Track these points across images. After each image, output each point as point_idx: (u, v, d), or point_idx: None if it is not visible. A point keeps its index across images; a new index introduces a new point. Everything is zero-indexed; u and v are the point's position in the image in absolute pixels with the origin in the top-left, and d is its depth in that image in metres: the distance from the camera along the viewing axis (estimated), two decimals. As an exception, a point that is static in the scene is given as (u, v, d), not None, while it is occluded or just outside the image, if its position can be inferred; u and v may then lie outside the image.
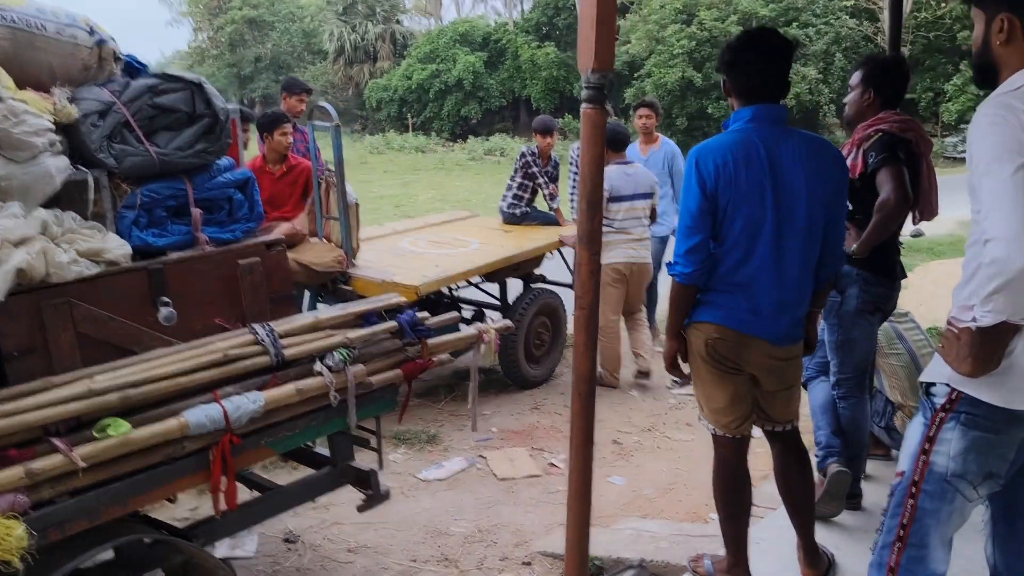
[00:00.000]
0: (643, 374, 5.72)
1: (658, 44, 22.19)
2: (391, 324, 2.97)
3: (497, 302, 5.87)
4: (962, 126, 21.99)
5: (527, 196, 6.29)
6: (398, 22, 33.78)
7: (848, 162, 3.17)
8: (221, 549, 3.57)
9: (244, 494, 3.61)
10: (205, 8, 37.43)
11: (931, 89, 22.44)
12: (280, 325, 2.74)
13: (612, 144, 5.34)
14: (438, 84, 27.72)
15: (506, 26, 28.88)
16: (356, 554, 3.61)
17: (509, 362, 5.40)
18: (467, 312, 5.88)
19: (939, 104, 22.69)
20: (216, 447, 2.46)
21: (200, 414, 2.42)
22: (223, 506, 2.52)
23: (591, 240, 2.18)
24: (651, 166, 6.07)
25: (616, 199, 5.42)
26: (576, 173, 7.06)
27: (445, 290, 5.53)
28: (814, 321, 2.86)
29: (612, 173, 5.34)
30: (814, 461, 3.44)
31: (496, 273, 5.40)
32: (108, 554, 2.43)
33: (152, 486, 2.36)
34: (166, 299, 2.58)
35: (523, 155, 6.17)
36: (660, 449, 4.69)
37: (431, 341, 3.07)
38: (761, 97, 2.56)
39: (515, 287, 5.92)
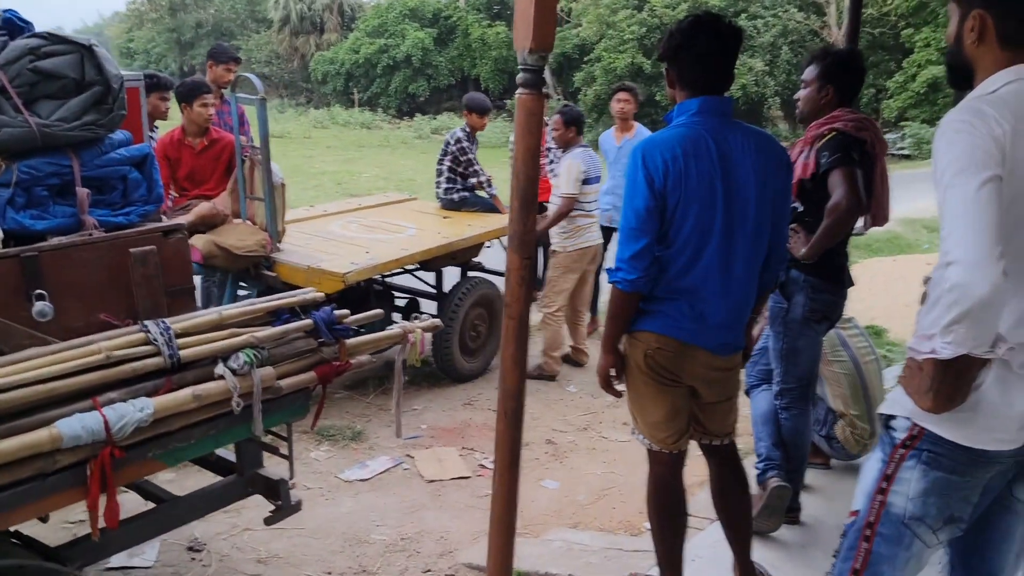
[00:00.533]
0: (577, 362, 5.64)
1: (609, 29, 22.01)
2: (305, 322, 2.70)
3: (433, 291, 5.61)
4: (902, 123, 22.40)
5: (459, 180, 6.02)
6: (346, -7, 32.95)
7: (800, 161, 3.01)
8: (117, 557, 3.28)
9: (136, 503, 3.35)
10: (144, -32, 36.01)
11: (873, 86, 22.75)
12: (177, 322, 2.45)
13: (580, 128, 5.39)
14: (386, 59, 27.11)
15: (457, 3, 28.37)
16: (266, 565, 3.35)
17: (443, 355, 5.16)
18: (400, 301, 5.61)
19: (880, 101, 23.05)
20: (95, 461, 2.18)
21: (75, 424, 2.13)
22: (103, 525, 2.24)
23: (522, 244, 1.96)
24: (624, 155, 5.86)
25: (588, 181, 5.31)
26: (551, 160, 6.83)
27: (378, 277, 5.25)
28: (751, 329, 2.70)
29: (583, 155, 5.31)
30: (754, 474, 3.30)
31: (432, 261, 5.14)
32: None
33: (17, 505, 2.06)
34: (41, 291, 2.27)
35: (458, 140, 5.89)
36: (595, 450, 4.52)
37: (350, 341, 2.82)
38: (708, 88, 2.39)
39: (452, 275, 5.67)
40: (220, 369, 2.45)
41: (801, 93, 3.14)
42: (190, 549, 3.43)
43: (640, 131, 6.09)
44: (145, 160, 2.65)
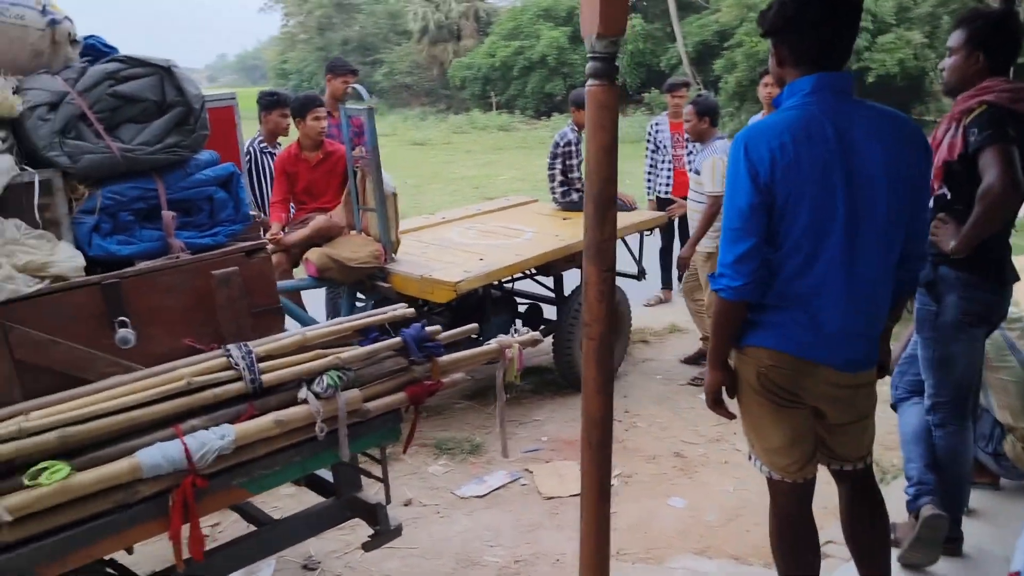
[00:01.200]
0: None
1: (750, 12, 20.98)
2: (394, 341, 2.58)
3: (553, 295, 5.41)
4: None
5: (576, 181, 5.79)
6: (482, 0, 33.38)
7: (946, 141, 2.58)
8: (236, 574, 3.29)
9: (237, 526, 3.34)
10: (295, -6, 37.95)
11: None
12: (260, 345, 2.38)
13: (715, 119, 5.04)
14: (522, 61, 27.15)
15: (591, -2, 28.07)
16: (377, 586, 3.26)
17: (564, 362, 4.95)
18: (522, 306, 5.45)
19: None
20: (177, 490, 2.13)
21: (156, 454, 2.09)
22: (187, 555, 2.20)
23: (599, 253, 1.72)
24: None
25: None
26: (654, 150, 6.53)
27: (497, 283, 5.10)
28: (888, 339, 2.32)
29: (724, 148, 4.92)
30: (903, 499, 2.89)
31: (550, 265, 4.93)
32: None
33: (99, 538, 2.04)
34: (123, 318, 2.25)
35: (568, 142, 5.66)
36: (728, 465, 4.16)
37: (443, 359, 2.67)
38: (825, 64, 2.06)
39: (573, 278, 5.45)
40: (303, 393, 2.36)
41: (947, 62, 2.70)
42: (304, 567, 3.40)
43: None
44: (231, 179, 2.60)
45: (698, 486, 3.97)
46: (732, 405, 2.32)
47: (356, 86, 4.54)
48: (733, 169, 2.06)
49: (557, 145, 5.66)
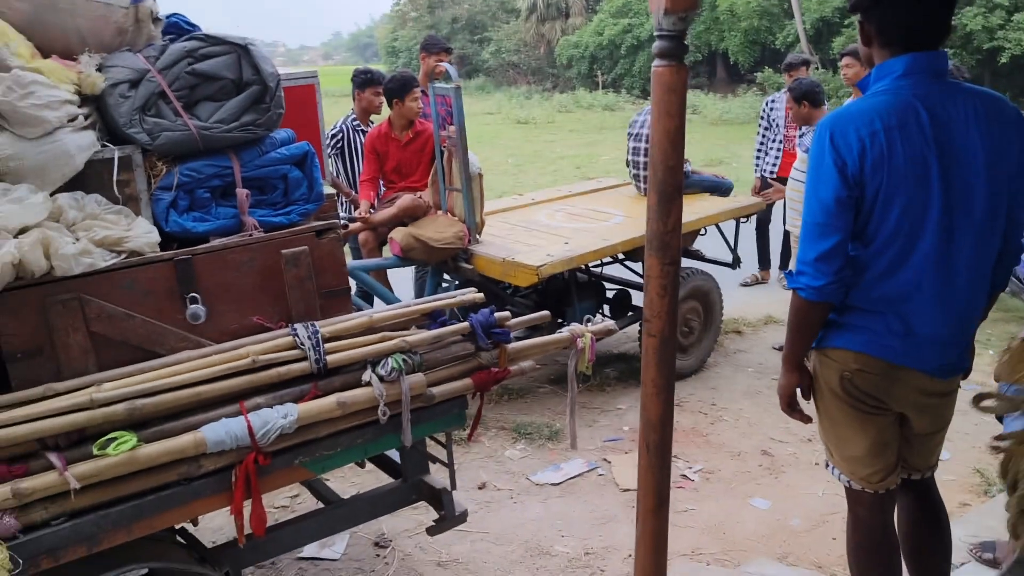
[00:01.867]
0: None
1: (874, -15, 19.93)
2: (461, 326, 2.53)
3: (641, 282, 5.25)
4: None
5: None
6: (592, -24, 32.86)
7: None
8: (309, 547, 3.35)
9: (306, 501, 3.38)
10: (408, -28, 38.41)
11: None
12: (327, 326, 2.38)
13: (814, 99, 4.91)
14: (630, 40, 26.64)
15: (705, -26, 27.23)
16: (445, 569, 3.26)
17: (651, 351, 4.80)
18: (610, 292, 5.32)
19: None
20: (239, 466, 2.15)
21: (220, 429, 2.12)
22: (249, 531, 2.22)
23: (663, 246, 1.61)
24: None
25: None
26: (767, 128, 6.28)
27: (583, 267, 5.00)
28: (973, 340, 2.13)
29: None
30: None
31: (638, 251, 4.79)
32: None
33: (162, 509, 2.09)
34: (194, 295, 2.28)
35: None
36: (819, 467, 3.94)
37: (511, 346, 2.60)
38: (918, 43, 1.87)
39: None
40: (367, 376, 2.35)
41: None
42: (376, 544, 3.43)
43: None
44: (306, 158, 2.59)
45: (784, 487, 3.78)
46: (808, 408, 2.18)
47: (446, 65, 4.50)
48: (817, 159, 1.91)
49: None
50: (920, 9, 1.86)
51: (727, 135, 17.17)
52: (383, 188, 4.95)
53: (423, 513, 3.56)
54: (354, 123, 5.26)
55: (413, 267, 5.05)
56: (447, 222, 4.47)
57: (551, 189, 6.43)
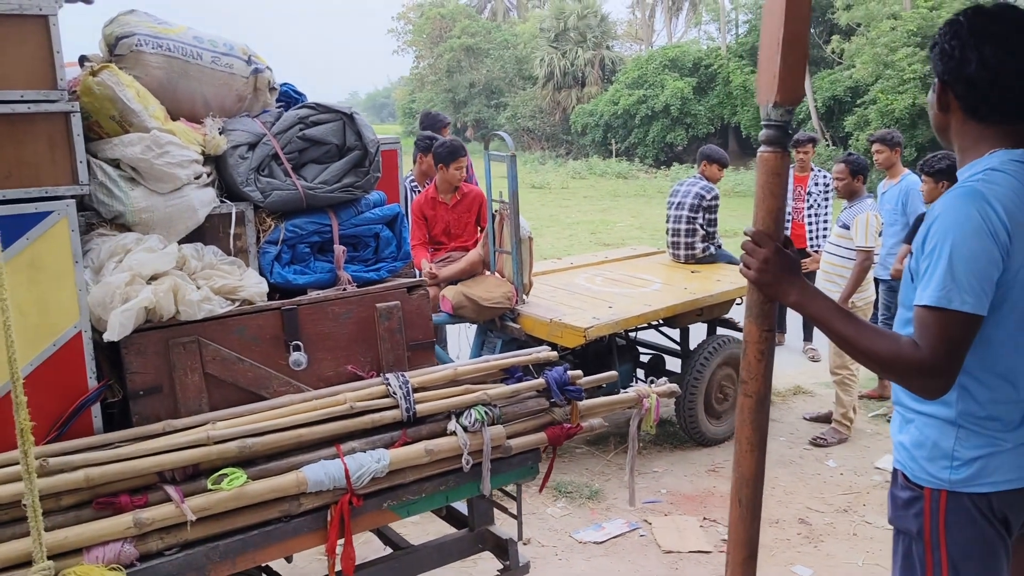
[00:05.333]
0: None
1: (886, 68, 20.42)
2: (537, 382, 2.67)
3: (678, 348, 5.40)
4: None
5: (715, 235, 5.81)
6: (608, 48, 33.71)
7: None
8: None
9: (370, 546, 3.47)
10: (428, 37, 39.47)
11: None
12: (416, 377, 2.53)
13: (866, 177, 5.12)
14: (644, 110, 27.29)
15: (718, 51, 27.98)
16: (496, 621, 3.32)
17: (687, 416, 4.93)
18: (645, 357, 5.47)
19: None
20: (335, 507, 2.28)
21: (319, 470, 2.25)
22: (339, 569, 2.33)
23: (762, 313, 1.76)
24: (885, 201, 5.61)
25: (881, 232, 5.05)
26: (827, 199, 6.47)
27: (622, 332, 5.15)
28: None
29: (875, 207, 5.07)
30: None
31: (677, 317, 4.95)
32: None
33: (265, 544, 2.21)
34: (297, 342, 2.44)
35: (715, 196, 5.68)
36: (856, 537, 4.03)
37: (582, 403, 2.74)
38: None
39: (701, 331, 5.44)
40: (452, 425, 2.48)
41: None
42: (426, 595, 3.50)
43: (906, 177, 5.58)
44: (396, 219, 2.78)
45: (824, 556, 3.86)
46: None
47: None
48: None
49: (703, 198, 5.65)
50: None
51: (740, 206, 17.49)
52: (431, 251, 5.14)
53: (470, 566, 3.64)
54: (412, 184, 5.48)
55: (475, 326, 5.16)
56: (496, 282, 4.65)
57: (588, 254, 6.63)
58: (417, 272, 5.00)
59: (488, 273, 4.80)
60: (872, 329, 1.66)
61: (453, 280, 4.71)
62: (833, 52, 22.40)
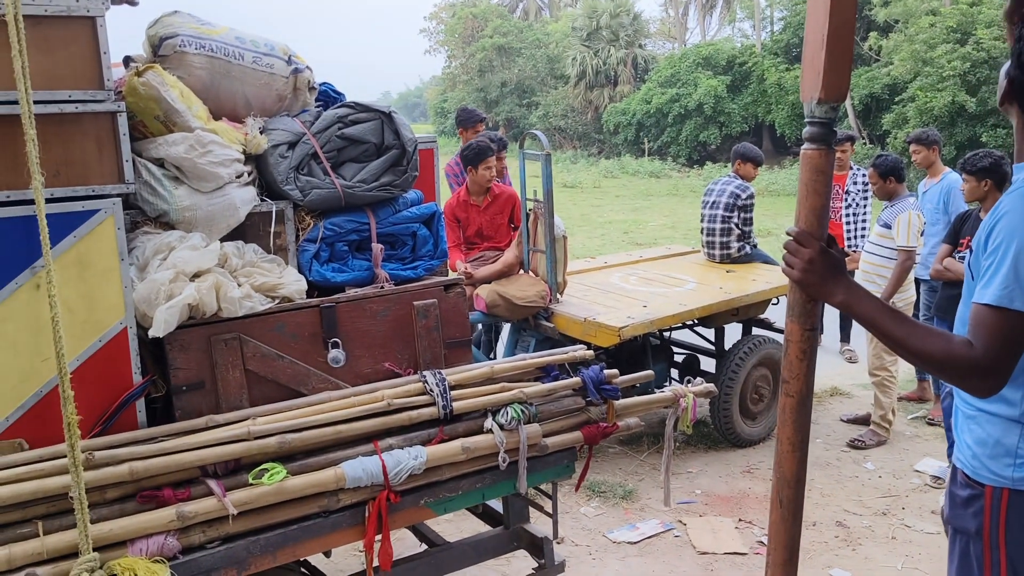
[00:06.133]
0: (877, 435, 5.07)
1: (925, 66, 20.08)
2: (574, 380, 2.67)
3: (712, 348, 5.36)
4: None
5: (751, 234, 5.76)
6: (641, 46, 33.53)
7: None
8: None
9: (404, 543, 3.49)
10: (460, 37, 39.60)
11: None
12: (453, 374, 2.54)
13: (900, 176, 5.02)
14: (677, 108, 27.11)
15: (753, 48, 27.72)
16: (528, 620, 3.32)
17: (721, 417, 4.89)
18: (679, 356, 5.43)
19: None
20: (373, 503, 2.30)
21: (358, 467, 2.27)
22: (376, 565, 2.35)
23: (804, 312, 1.74)
24: (926, 201, 5.50)
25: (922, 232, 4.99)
26: (865, 198, 6.37)
27: (656, 331, 5.13)
28: None
29: (917, 206, 5.01)
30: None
31: (712, 317, 4.92)
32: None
33: (304, 538, 2.24)
34: (336, 340, 2.46)
35: (751, 195, 5.62)
36: (895, 540, 3.97)
37: (618, 402, 2.74)
38: None
39: (736, 331, 5.39)
40: (489, 423, 2.49)
41: None
42: (460, 592, 3.51)
43: (947, 176, 5.47)
44: (433, 218, 2.80)
45: (862, 560, 3.81)
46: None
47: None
48: None
49: (738, 197, 5.58)
50: None
51: (774, 206, 17.33)
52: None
53: (504, 564, 3.65)
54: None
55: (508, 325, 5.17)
56: (530, 281, 4.65)
57: (622, 254, 6.60)
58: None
59: (522, 272, 4.80)
60: (923, 328, 1.63)
61: (489, 280, 4.72)
62: (871, 49, 22.06)
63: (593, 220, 16.39)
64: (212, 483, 2.11)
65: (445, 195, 5.34)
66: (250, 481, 2.13)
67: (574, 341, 4.52)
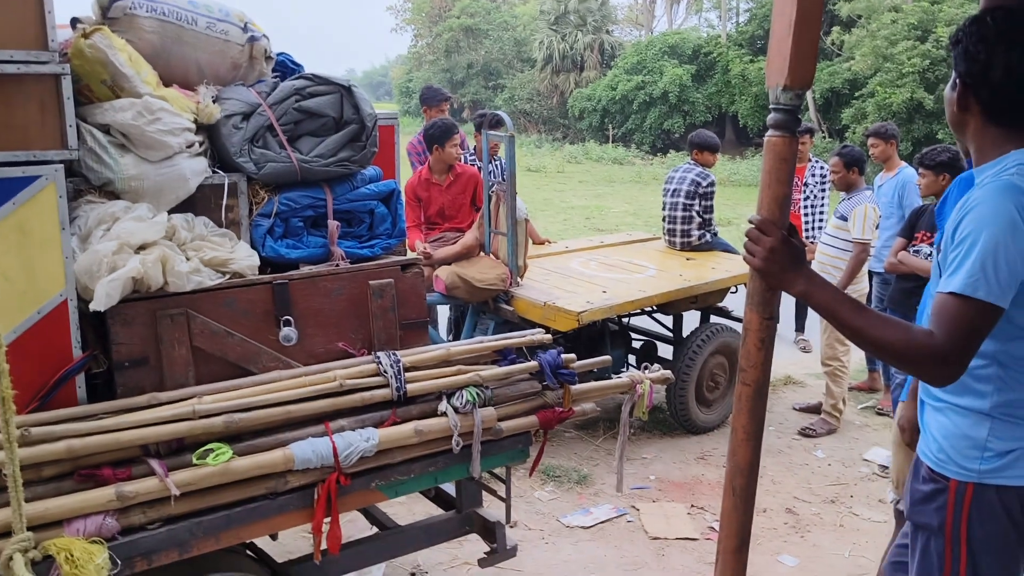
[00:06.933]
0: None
1: (886, 62, 20.37)
2: (531, 364, 2.64)
3: (670, 335, 5.38)
4: None
5: (711, 222, 5.78)
6: (608, 32, 33.49)
7: None
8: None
9: (355, 525, 3.44)
10: (427, 16, 39.16)
11: None
12: (408, 356, 2.49)
13: (862, 169, 5.08)
14: (642, 96, 27.17)
15: (718, 39, 27.87)
16: (481, 603, 3.31)
17: (677, 403, 4.91)
18: (637, 342, 5.44)
19: None
20: (322, 485, 2.25)
21: (307, 448, 2.22)
22: (324, 548, 2.31)
23: (763, 302, 1.73)
24: (881, 195, 5.56)
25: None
26: (823, 190, 6.43)
27: (615, 317, 5.12)
28: None
29: (873, 199, 5.08)
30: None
31: (671, 304, 4.93)
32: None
33: (249, 521, 2.18)
34: (288, 318, 2.40)
35: (711, 183, 5.63)
36: (843, 528, 4.03)
37: (575, 387, 2.71)
38: None
39: (692, 319, 5.42)
40: (443, 406, 2.45)
41: None
42: (412, 575, 3.49)
43: (903, 171, 5.54)
44: (392, 195, 2.74)
45: (810, 547, 3.86)
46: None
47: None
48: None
49: (698, 185, 5.57)
50: None
51: (735, 196, 17.48)
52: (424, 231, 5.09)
53: (457, 547, 3.63)
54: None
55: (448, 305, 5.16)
56: (491, 264, 4.60)
57: (584, 239, 6.58)
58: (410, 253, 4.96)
59: (483, 254, 4.76)
60: (881, 318, 1.62)
61: (447, 261, 4.67)
62: (833, 44, 22.30)
63: (556, 205, 16.37)
64: (154, 463, 2.05)
65: (406, 174, 5.27)
66: (194, 462, 2.07)
67: (533, 325, 4.49)
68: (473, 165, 5.30)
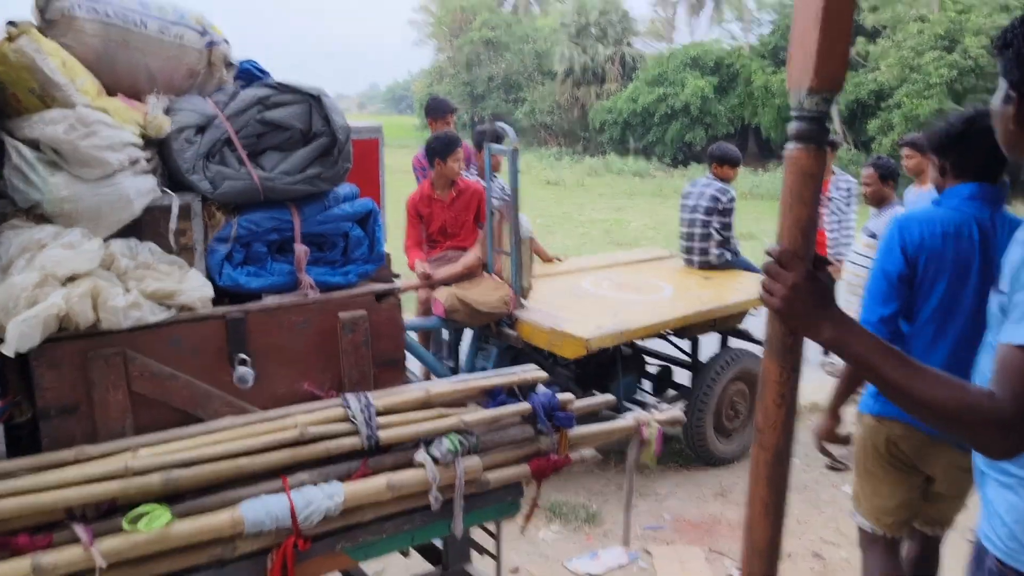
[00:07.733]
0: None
1: (912, 72, 19.91)
2: (522, 406, 2.34)
3: (688, 359, 5.06)
4: None
5: (732, 240, 5.44)
6: (629, 45, 33.18)
7: None
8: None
9: None
10: (448, 30, 39.10)
11: None
12: (381, 398, 2.20)
13: (896, 183, 4.98)
14: (664, 108, 26.82)
15: (741, 50, 27.49)
16: (474, 663, 3.00)
17: (694, 434, 4.59)
18: (651, 367, 5.13)
19: None
20: (277, 551, 1.96)
21: (260, 508, 1.93)
22: (281, 622, 2.01)
23: (784, 349, 1.42)
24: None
25: None
26: (848, 204, 6.07)
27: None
28: None
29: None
30: None
31: (688, 327, 4.61)
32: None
33: (191, 593, 1.89)
34: (244, 356, 2.12)
35: (732, 198, 5.30)
36: None
37: (572, 432, 2.41)
38: (983, 176, 2.42)
39: (710, 340, 5.09)
40: (421, 456, 2.16)
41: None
42: (400, 628, 3.19)
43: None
44: (369, 216, 2.46)
45: (839, 596, 3.52)
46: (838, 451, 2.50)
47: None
48: (888, 243, 2.46)
49: (718, 201, 5.24)
50: (991, 151, 1.93)
51: (757, 209, 17.08)
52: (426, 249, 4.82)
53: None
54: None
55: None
56: (493, 285, 4.32)
57: (595, 256, 6.28)
58: (396, 279, 4.67)
59: (485, 275, 4.47)
60: (931, 373, 1.31)
61: (449, 282, 4.39)
62: (858, 54, 21.87)
63: (575, 219, 16.07)
64: (79, 528, 1.77)
65: (412, 189, 5.00)
66: (124, 527, 1.79)
67: (539, 351, 4.22)
68: (477, 180, 5.03)
